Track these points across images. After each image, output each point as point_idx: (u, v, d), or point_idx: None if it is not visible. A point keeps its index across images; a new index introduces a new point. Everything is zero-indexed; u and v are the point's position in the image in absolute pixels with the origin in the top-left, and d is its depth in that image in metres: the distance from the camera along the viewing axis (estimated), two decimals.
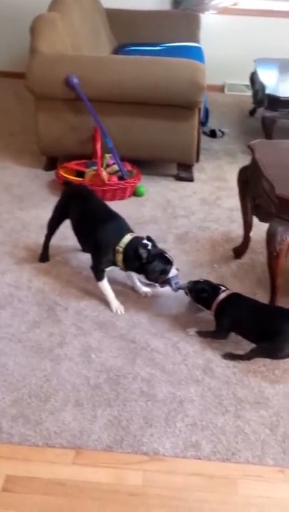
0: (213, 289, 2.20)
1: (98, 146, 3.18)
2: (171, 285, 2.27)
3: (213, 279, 2.51)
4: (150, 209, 3.14)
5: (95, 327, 2.21)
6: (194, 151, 3.37)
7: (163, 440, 1.76)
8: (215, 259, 2.69)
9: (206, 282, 2.27)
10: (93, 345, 2.12)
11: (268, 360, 2.08)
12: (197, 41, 4.48)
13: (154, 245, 2.26)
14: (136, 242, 2.23)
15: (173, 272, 2.25)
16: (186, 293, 2.27)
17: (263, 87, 3.80)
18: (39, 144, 3.37)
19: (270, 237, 2.06)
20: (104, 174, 3.15)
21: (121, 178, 3.21)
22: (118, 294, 2.35)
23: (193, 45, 4.34)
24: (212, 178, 3.53)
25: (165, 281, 2.26)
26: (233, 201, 3.14)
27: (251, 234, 2.63)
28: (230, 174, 3.51)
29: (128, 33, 4.53)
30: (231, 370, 2.04)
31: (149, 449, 1.73)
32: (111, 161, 3.27)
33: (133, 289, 2.42)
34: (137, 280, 2.39)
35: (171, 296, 2.37)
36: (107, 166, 3.26)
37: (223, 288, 2.22)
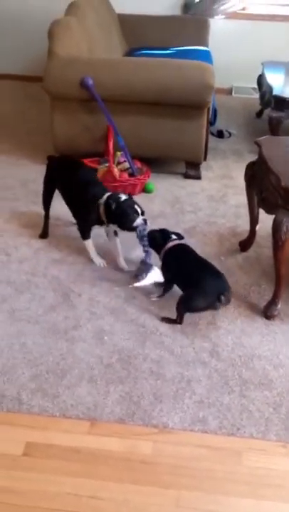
0: (164, 237, 2.43)
1: (110, 144, 3.30)
2: (136, 233, 2.45)
3: (220, 270, 2.64)
4: (159, 205, 3.26)
5: (107, 312, 2.34)
6: (202, 150, 3.49)
7: (172, 415, 1.87)
8: (221, 252, 2.81)
9: (162, 230, 2.48)
10: (105, 329, 2.24)
11: (272, 345, 2.19)
12: (206, 45, 4.61)
13: (133, 201, 2.50)
14: (112, 196, 2.50)
15: (139, 222, 2.44)
16: (138, 237, 2.47)
17: (270, 88, 3.92)
18: (54, 142, 3.50)
19: (276, 227, 2.18)
20: (115, 171, 3.27)
21: (131, 175, 3.34)
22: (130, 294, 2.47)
23: (202, 48, 4.47)
24: (219, 176, 3.65)
25: (132, 229, 2.46)
26: (239, 198, 3.27)
27: (257, 228, 2.75)
28: (237, 172, 3.64)
29: (139, 37, 4.68)
30: (236, 353, 2.16)
31: (159, 423, 1.85)
32: (122, 159, 3.39)
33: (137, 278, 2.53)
34: (121, 256, 2.63)
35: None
36: (119, 163, 3.39)
37: (174, 237, 2.43)
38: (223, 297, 2.20)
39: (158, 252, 2.45)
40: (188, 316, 2.32)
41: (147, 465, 1.71)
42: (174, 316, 2.28)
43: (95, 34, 3.73)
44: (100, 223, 2.54)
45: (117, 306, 2.37)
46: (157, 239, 2.44)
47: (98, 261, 2.64)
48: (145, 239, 2.46)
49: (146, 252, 2.49)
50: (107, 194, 2.53)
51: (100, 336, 2.20)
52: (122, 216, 2.45)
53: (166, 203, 3.28)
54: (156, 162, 3.55)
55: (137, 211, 2.47)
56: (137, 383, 1.99)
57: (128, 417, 1.85)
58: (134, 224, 2.44)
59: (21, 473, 1.65)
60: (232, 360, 2.12)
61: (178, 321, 2.28)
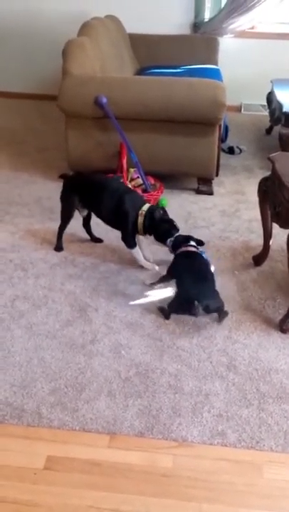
0: (184, 241, 2.57)
1: (124, 161, 3.35)
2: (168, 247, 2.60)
3: (234, 285, 2.67)
4: None
5: (124, 326, 2.35)
6: (214, 166, 3.53)
7: (191, 428, 1.88)
8: (235, 266, 2.83)
9: (186, 236, 2.60)
10: (123, 343, 2.26)
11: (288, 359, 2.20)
12: (215, 63, 4.68)
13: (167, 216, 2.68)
14: (154, 207, 2.65)
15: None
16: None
17: (280, 105, 3.97)
18: (68, 159, 3.55)
19: None
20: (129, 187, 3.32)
21: (144, 191, 3.38)
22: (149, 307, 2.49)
23: (212, 67, 4.54)
24: (231, 191, 3.69)
25: (165, 243, 2.61)
26: (251, 213, 3.29)
27: (270, 243, 2.77)
28: (249, 188, 3.68)
29: (149, 56, 4.77)
30: (254, 367, 2.16)
31: (178, 436, 1.85)
32: (135, 175, 3.44)
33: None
34: (147, 250, 2.77)
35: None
36: (132, 179, 3.43)
37: (193, 243, 2.55)
38: (197, 304, 2.26)
39: (175, 252, 2.58)
40: (205, 330, 2.33)
41: (168, 478, 1.71)
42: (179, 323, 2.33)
43: (107, 53, 3.81)
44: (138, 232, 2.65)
45: (134, 321, 2.39)
46: (178, 241, 2.57)
47: (149, 266, 2.72)
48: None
49: None
50: (147, 206, 2.64)
51: (117, 350, 2.22)
52: (163, 231, 2.60)
53: (180, 218, 3.31)
54: (168, 178, 3.59)
55: (176, 227, 2.63)
56: (156, 397, 2.00)
57: (147, 430, 1.86)
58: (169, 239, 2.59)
59: (43, 486, 1.66)
60: (249, 374, 2.13)
61: (165, 316, 2.42)
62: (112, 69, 3.76)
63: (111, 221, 2.73)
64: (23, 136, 4.56)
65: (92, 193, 2.73)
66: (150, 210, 2.61)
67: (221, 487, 1.69)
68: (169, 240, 2.59)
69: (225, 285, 2.65)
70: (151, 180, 3.47)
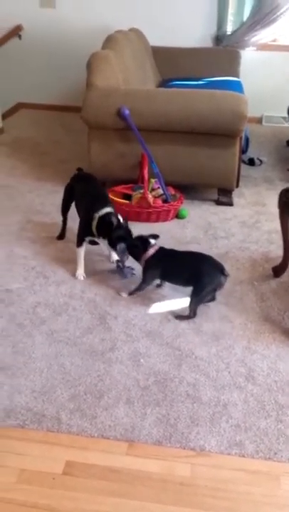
0: (143, 244, 2.59)
1: (145, 171, 3.39)
2: (116, 250, 2.66)
3: (253, 295, 2.67)
4: (192, 230, 3.31)
5: (143, 335, 2.37)
6: (235, 177, 3.55)
7: (208, 438, 1.89)
8: (255, 277, 2.83)
9: (137, 238, 2.63)
10: (141, 351, 2.27)
11: None
12: (237, 76, 4.72)
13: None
14: (112, 214, 2.65)
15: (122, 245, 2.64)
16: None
17: None
18: (90, 169, 3.59)
19: None
20: (149, 197, 3.35)
21: (165, 201, 3.41)
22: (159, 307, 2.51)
23: (233, 79, 4.57)
24: (251, 202, 3.70)
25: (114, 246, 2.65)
26: (271, 224, 3.30)
27: None
28: (269, 199, 3.69)
29: (172, 68, 4.83)
30: (272, 378, 2.16)
31: (196, 446, 1.86)
32: (156, 185, 3.47)
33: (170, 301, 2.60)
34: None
35: (214, 310, 2.53)
36: (153, 189, 3.47)
37: (153, 242, 2.60)
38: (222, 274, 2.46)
39: (137, 259, 2.63)
40: (224, 340, 2.34)
41: (186, 487, 1.72)
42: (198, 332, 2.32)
43: (130, 66, 3.86)
44: (92, 235, 2.73)
45: (153, 329, 2.41)
46: (138, 247, 2.60)
47: (80, 272, 2.77)
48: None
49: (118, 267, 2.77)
50: (106, 210, 2.67)
51: (136, 358, 2.23)
52: (116, 236, 2.63)
53: (199, 228, 3.33)
54: (189, 189, 3.62)
55: (131, 235, 2.66)
56: (174, 406, 2.01)
57: (165, 439, 1.87)
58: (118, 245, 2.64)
59: (62, 491, 1.68)
60: (268, 385, 2.12)
61: (192, 314, 2.47)
62: (135, 81, 3.82)
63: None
64: (46, 147, 4.64)
65: (79, 191, 2.95)
66: (107, 216, 2.63)
67: (239, 497, 1.69)
68: (119, 246, 2.63)
69: (244, 295, 2.66)
70: (172, 191, 3.51)
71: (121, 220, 2.66)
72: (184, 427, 1.92)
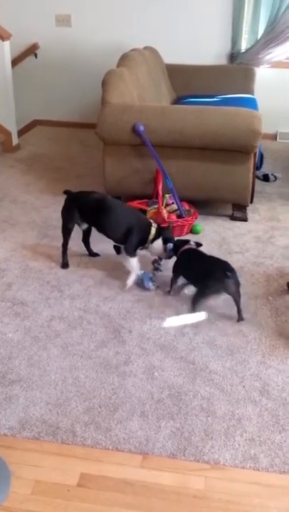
0: (184, 243, 2.85)
1: (159, 186, 3.42)
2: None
3: (268, 310, 2.67)
4: (206, 245, 3.31)
5: (157, 348, 2.38)
6: (249, 193, 3.56)
7: (223, 452, 1.88)
8: (269, 292, 2.83)
9: (184, 240, 2.89)
10: (156, 365, 2.28)
11: None
12: (252, 93, 4.75)
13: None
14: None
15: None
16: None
17: None
18: (105, 184, 3.65)
19: None
20: (164, 212, 3.38)
21: (179, 217, 3.43)
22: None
23: (247, 96, 4.61)
24: (265, 218, 3.71)
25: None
26: (286, 240, 3.31)
27: None
28: (284, 215, 3.70)
29: (186, 85, 4.88)
30: (287, 393, 2.15)
31: (210, 459, 1.86)
32: (170, 201, 3.50)
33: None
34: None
35: (228, 325, 2.54)
36: (167, 205, 3.50)
37: (192, 244, 2.83)
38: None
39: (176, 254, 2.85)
40: (238, 354, 2.34)
41: (200, 500, 1.71)
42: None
43: (145, 83, 3.92)
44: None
45: (167, 343, 2.42)
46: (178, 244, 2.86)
47: (132, 281, 2.83)
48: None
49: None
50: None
51: (150, 371, 2.24)
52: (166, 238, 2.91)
53: (214, 243, 3.35)
54: (203, 204, 3.65)
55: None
56: (188, 419, 2.01)
57: (179, 452, 1.87)
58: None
59: (76, 503, 1.69)
60: (283, 400, 2.12)
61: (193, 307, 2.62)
62: (149, 98, 3.87)
63: (115, 237, 2.93)
64: (61, 162, 4.71)
65: (95, 212, 2.95)
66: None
67: (253, 510, 1.69)
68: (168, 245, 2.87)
69: (259, 310, 2.67)
70: (186, 206, 3.53)
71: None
72: (198, 440, 1.92)
